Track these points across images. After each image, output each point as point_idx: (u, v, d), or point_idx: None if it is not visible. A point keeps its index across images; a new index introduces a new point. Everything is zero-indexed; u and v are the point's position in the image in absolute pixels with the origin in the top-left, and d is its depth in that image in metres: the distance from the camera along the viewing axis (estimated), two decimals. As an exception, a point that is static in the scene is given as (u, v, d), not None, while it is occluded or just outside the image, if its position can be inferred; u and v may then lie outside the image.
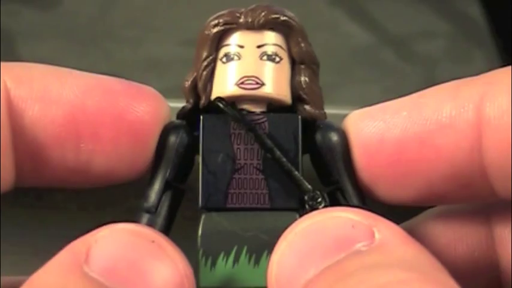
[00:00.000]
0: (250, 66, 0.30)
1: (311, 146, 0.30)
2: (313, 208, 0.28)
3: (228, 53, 0.30)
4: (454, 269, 0.25)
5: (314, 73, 0.31)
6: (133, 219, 0.29)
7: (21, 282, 0.31)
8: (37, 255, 0.47)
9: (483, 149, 0.28)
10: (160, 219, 0.30)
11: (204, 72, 0.30)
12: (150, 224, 0.30)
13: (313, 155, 0.31)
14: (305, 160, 0.30)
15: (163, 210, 0.30)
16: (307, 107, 0.31)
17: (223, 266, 0.29)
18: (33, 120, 0.29)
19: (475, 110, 0.28)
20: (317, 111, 0.31)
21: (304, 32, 0.31)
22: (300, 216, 0.29)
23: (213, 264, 0.29)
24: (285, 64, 0.31)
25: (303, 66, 0.31)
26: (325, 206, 0.28)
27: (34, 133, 0.29)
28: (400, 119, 0.29)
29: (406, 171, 0.29)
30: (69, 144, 0.29)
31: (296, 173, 0.29)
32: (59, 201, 0.52)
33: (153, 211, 0.30)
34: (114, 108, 0.29)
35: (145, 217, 0.30)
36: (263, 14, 0.30)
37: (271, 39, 0.30)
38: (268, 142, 0.29)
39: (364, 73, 0.58)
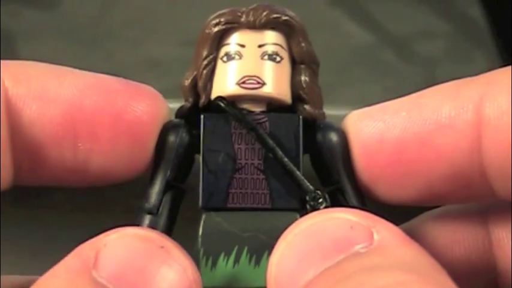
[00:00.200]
0: (251, 65, 0.30)
1: (311, 146, 0.30)
2: (314, 208, 0.28)
3: (229, 52, 0.30)
4: (452, 271, 0.25)
5: (314, 73, 0.31)
6: (134, 220, 0.29)
7: (21, 281, 0.31)
8: (36, 256, 0.48)
9: (483, 150, 0.28)
10: (162, 220, 0.30)
11: (205, 71, 0.30)
12: (153, 225, 0.29)
13: (313, 155, 0.31)
14: (305, 160, 0.30)
15: (165, 210, 0.30)
16: (306, 106, 0.30)
17: (224, 266, 0.29)
18: (31, 119, 0.29)
19: (474, 111, 0.28)
20: (316, 111, 0.31)
21: (305, 32, 0.30)
22: (301, 216, 0.29)
23: (214, 264, 0.29)
24: (286, 64, 0.30)
25: (303, 66, 0.31)
26: (326, 206, 0.28)
27: (32, 132, 0.29)
28: (399, 119, 0.29)
29: (405, 171, 0.29)
30: (67, 143, 0.29)
31: (298, 173, 0.29)
32: (58, 202, 0.52)
33: (154, 212, 0.30)
34: (112, 107, 0.29)
35: (147, 218, 0.30)
36: (265, 13, 0.30)
37: (272, 38, 0.30)
38: (270, 142, 0.29)
39: (364, 73, 0.58)
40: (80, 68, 0.30)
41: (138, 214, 0.30)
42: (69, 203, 0.51)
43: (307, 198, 0.29)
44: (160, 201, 0.30)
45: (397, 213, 0.29)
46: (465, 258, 0.31)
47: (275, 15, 0.30)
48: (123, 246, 0.26)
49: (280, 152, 0.29)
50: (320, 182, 0.31)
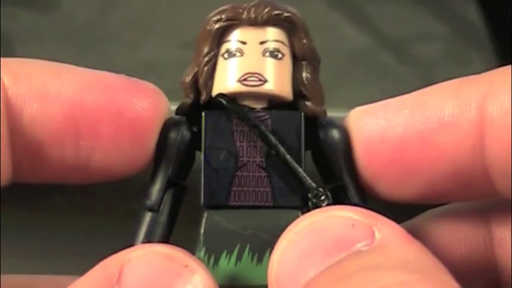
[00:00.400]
0: (253, 62, 0.30)
1: (313, 143, 0.30)
2: (316, 205, 0.28)
3: (230, 49, 0.30)
4: (453, 270, 0.25)
5: (315, 69, 0.31)
6: (135, 218, 0.30)
7: (22, 281, 0.31)
8: (37, 258, 0.48)
9: (485, 148, 0.28)
10: (163, 218, 0.29)
11: (206, 68, 0.30)
12: (154, 222, 0.29)
13: (314, 152, 0.30)
14: (307, 157, 0.30)
15: (166, 208, 0.30)
16: (308, 103, 0.30)
17: (226, 264, 0.29)
18: (32, 118, 0.29)
19: (477, 109, 0.28)
20: (318, 108, 0.30)
21: (306, 28, 0.30)
22: (303, 213, 0.29)
23: (216, 262, 0.29)
24: (287, 60, 0.30)
25: (304, 63, 0.30)
26: (329, 204, 0.28)
27: (33, 130, 0.29)
28: (402, 117, 0.29)
29: (407, 169, 0.29)
30: (68, 141, 0.29)
31: (300, 170, 0.29)
32: (58, 205, 0.52)
33: (155, 209, 0.29)
34: (113, 105, 0.29)
35: (148, 215, 0.29)
36: (266, 10, 0.30)
37: (274, 35, 0.30)
38: (272, 139, 0.29)
39: (363, 76, 0.58)
40: None
41: (139, 211, 0.30)
42: (69, 206, 0.51)
43: (309, 195, 0.29)
44: (162, 198, 0.30)
45: (398, 211, 0.29)
46: (466, 257, 0.31)
47: (277, 12, 0.30)
48: (148, 263, 0.26)
49: (282, 149, 0.29)
50: (322, 179, 0.30)
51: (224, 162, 0.30)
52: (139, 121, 0.29)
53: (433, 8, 0.65)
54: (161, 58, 0.58)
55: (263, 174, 0.30)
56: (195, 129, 0.30)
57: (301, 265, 0.26)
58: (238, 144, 0.30)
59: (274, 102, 0.30)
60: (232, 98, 0.30)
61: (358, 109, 0.30)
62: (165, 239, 0.29)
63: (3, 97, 0.28)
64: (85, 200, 0.51)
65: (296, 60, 0.30)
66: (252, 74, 0.30)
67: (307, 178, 0.29)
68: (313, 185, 0.29)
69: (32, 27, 0.62)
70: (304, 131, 0.30)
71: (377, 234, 0.26)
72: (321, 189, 0.29)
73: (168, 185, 0.30)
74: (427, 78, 0.58)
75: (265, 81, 0.30)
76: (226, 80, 0.30)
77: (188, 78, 0.30)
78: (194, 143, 0.30)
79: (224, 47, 0.30)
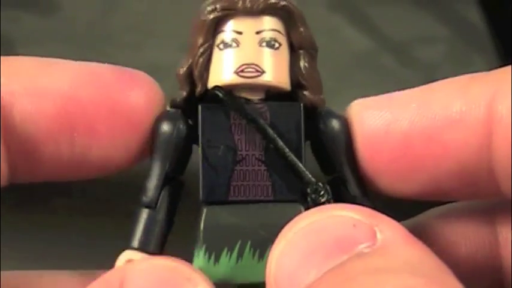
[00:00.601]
0: (249, 53, 0.29)
1: (312, 134, 0.30)
2: (316, 202, 0.28)
3: (226, 39, 0.29)
4: (456, 270, 0.25)
5: (313, 58, 0.30)
6: (133, 216, 0.29)
7: (19, 276, 0.30)
8: (37, 261, 0.48)
9: (492, 147, 0.28)
10: (161, 215, 0.29)
11: (201, 59, 0.29)
12: (151, 220, 0.29)
13: (314, 143, 0.30)
14: (306, 148, 0.30)
15: (164, 204, 0.29)
16: (306, 93, 0.30)
17: (227, 261, 0.28)
18: (25, 115, 0.28)
19: (486, 107, 0.28)
20: (316, 97, 0.30)
21: (303, 17, 0.30)
22: (306, 209, 0.28)
23: (217, 259, 0.28)
24: (284, 50, 0.29)
25: (302, 52, 0.30)
26: (328, 200, 0.28)
27: (26, 128, 0.28)
28: (408, 112, 0.29)
29: (411, 165, 0.28)
30: (63, 138, 0.28)
31: (299, 164, 0.28)
32: (58, 207, 0.52)
33: (153, 206, 0.29)
34: (107, 97, 0.29)
35: (145, 212, 0.29)
36: None
37: (270, 24, 0.29)
38: (271, 132, 0.28)
39: (364, 78, 0.58)
40: None
41: (136, 208, 0.29)
42: (69, 208, 0.51)
43: (308, 190, 0.28)
44: (159, 194, 0.29)
45: (399, 206, 0.29)
46: (470, 257, 0.30)
47: (273, 1, 0.29)
48: (149, 276, 0.26)
49: (281, 143, 0.28)
50: (321, 170, 0.30)
51: (223, 157, 0.29)
52: (135, 112, 0.29)
53: (435, 10, 0.65)
54: (163, 60, 0.58)
55: (262, 168, 0.29)
56: (190, 122, 0.29)
57: (301, 267, 0.25)
58: (236, 137, 0.29)
59: (271, 93, 0.30)
60: (229, 90, 0.29)
61: (361, 101, 0.30)
62: (163, 238, 0.29)
63: None
64: (85, 202, 0.51)
65: (293, 49, 0.30)
66: (248, 65, 0.29)
67: (307, 173, 0.28)
68: (313, 179, 0.28)
69: (33, 29, 0.62)
70: (304, 122, 0.29)
71: (379, 235, 0.25)
72: (320, 184, 0.28)
73: (165, 180, 0.29)
74: (429, 80, 0.57)
75: (263, 72, 0.29)
76: (222, 71, 0.29)
77: (183, 70, 0.30)
78: (191, 136, 0.29)
79: (219, 38, 0.29)
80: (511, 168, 0.27)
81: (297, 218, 0.26)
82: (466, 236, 0.31)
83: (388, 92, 0.31)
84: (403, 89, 0.30)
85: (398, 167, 0.29)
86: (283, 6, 0.29)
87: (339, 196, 0.29)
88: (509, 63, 0.29)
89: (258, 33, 0.29)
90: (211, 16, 0.29)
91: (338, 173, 0.29)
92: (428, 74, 0.59)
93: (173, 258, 0.27)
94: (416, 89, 0.29)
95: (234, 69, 0.29)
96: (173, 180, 0.29)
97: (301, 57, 0.30)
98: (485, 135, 0.28)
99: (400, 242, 0.25)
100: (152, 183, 0.29)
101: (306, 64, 0.30)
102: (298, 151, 0.29)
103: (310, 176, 0.28)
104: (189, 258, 0.28)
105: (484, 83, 0.28)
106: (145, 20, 0.64)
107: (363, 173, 0.29)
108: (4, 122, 0.28)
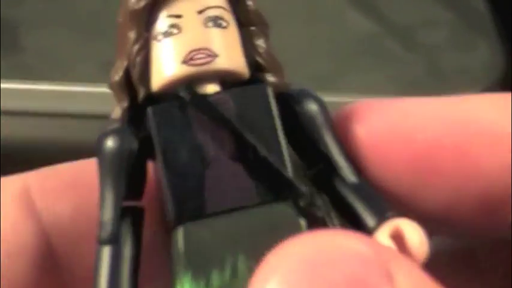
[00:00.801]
0: (196, 36, 0.24)
1: (286, 121, 0.25)
2: (310, 216, 0.24)
3: (163, 27, 0.25)
4: None
5: (266, 36, 0.26)
6: (94, 255, 0.24)
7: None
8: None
9: None
10: (127, 249, 0.24)
11: (138, 58, 0.25)
12: (117, 256, 0.24)
13: (289, 132, 0.25)
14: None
15: (128, 236, 0.24)
16: (268, 76, 0.25)
17: (220, 283, 0.23)
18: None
19: None
20: (281, 81, 0.26)
21: None
22: (296, 206, 0.24)
23: (208, 283, 0.23)
24: (233, 28, 0.25)
25: (253, 29, 0.26)
26: (328, 212, 0.24)
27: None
28: (435, 120, 0.25)
29: (430, 179, 0.25)
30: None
31: (287, 173, 0.24)
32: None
33: (114, 241, 0.24)
34: None
35: (107, 250, 0.24)
36: None
37: (212, 1, 0.25)
38: (250, 136, 0.24)
39: (368, 62, 0.58)
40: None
41: (98, 247, 0.24)
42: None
43: (302, 204, 0.24)
44: (119, 226, 0.24)
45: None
46: None
47: None
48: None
49: (264, 150, 0.24)
50: (303, 163, 0.26)
51: (188, 163, 0.24)
52: None
53: (438, -6, 0.65)
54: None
55: (238, 167, 0.24)
56: (141, 135, 0.25)
57: None
58: (199, 137, 0.24)
59: (227, 84, 0.25)
60: (188, 85, 0.25)
61: (370, 102, 0.26)
62: (135, 274, 0.24)
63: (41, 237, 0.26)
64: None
65: (242, 27, 0.26)
66: (197, 50, 0.24)
67: (296, 181, 0.24)
68: (303, 188, 0.24)
69: (36, 13, 0.62)
70: (277, 108, 0.25)
71: (395, 280, 0.21)
72: (314, 194, 0.24)
73: (122, 208, 0.24)
74: (432, 65, 0.58)
75: (215, 55, 0.24)
76: (168, 65, 0.24)
77: (118, 76, 0.25)
78: (143, 151, 0.25)
79: (155, 29, 0.25)
80: None
81: (287, 245, 0.21)
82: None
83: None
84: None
85: (414, 179, 0.25)
86: None
87: (333, 189, 0.25)
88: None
89: (200, 12, 0.25)
90: (142, 3, 0.25)
91: (325, 161, 0.25)
92: (431, 58, 0.59)
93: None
94: (449, 98, 0.26)
95: (181, 58, 0.24)
96: (131, 207, 0.25)
97: (254, 35, 0.26)
98: None
99: None
100: (107, 214, 0.24)
101: (262, 43, 0.26)
102: (276, 145, 0.24)
103: (299, 184, 0.24)
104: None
105: None
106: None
107: (369, 178, 0.25)
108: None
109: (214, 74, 0.25)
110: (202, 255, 0.23)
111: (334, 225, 0.25)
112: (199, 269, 0.23)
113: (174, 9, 0.25)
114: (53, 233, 0.26)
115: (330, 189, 0.25)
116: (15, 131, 0.54)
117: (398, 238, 0.23)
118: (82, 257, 0.26)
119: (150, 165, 0.25)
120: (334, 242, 0.21)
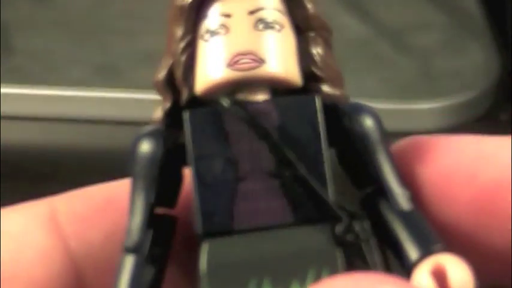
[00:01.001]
0: (242, 39, 0.23)
1: (336, 138, 0.23)
2: (348, 244, 0.22)
3: (211, 26, 0.23)
4: None
5: (327, 43, 0.24)
6: (116, 266, 0.23)
7: None
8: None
9: None
10: (150, 260, 0.23)
11: (183, 57, 0.23)
12: (139, 268, 0.23)
13: (339, 149, 0.24)
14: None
15: (153, 246, 0.23)
16: (323, 86, 0.24)
17: None
18: None
19: None
20: (337, 92, 0.24)
21: None
22: (335, 229, 0.22)
23: None
24: (289, 33, 0.23)
25: (312, 35, 0.24)
26: (366, 239, 0.22)
27: None
28: (496, 161, 0.24)
29: (490, 221, 0.24)
30: None
31: (326, 195, 0.22)
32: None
33: (139, 250, 0.23)
34: None
35: (130, 259, 0.23)
36: None
37: (266, 1, 0.23)
38: (290, 152, 0.22)
39: (360, 65, 0.58)
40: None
41: (122, 253, 0.23)
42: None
43: (338, 229, 0.22)
44: (145, 234, 0.23)
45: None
46: None
47: None
48: None
49: (303, 167, 0.22)
50: (352, 184, 0.24)
51: (221, 174, 0.23)
52: None
53: (431, -3, 0.65)
54: (159, 47, 0.58)
55: (274, 183, 0.22)
56: (180, 140, 0.23)
57: None
58: (236, 148, 0.23)
59: (279, 91, 0.23)
60: (231, 91, 0.23)
61: (434, 137, 0.25)
62: (156, 285, 0.23)
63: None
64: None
65: (300, 32, 0.24)
66: (243, 54, 0.23)
67: (335, 205, 0.22)
68: (344, 213, 0.22)
69: (29, 15, 0.62)
70: (325, 122, 0.23)
71: None
72: (354, 218, 0.22)
73: (151, 216, 0.23)
74: (424, 68, 0.58)
75: (262, 61, 0.23)
76: (211, 67, 0.23)
77: (162, 75, 0.24)
78: (180, 157, 0.23)
79: (203, 27, 0.23)
80: None
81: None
82: None
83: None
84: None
85: (476, 219, 0.24)
86: None
87: (379, 214, 0.23)
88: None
89: (251, 13, 0.23)
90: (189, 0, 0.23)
91: (376, 184, 0.23)
92: (424, 61, 0.59)
93: None
94: (494, 137, 0.25)
95: (225, 61, 0.23)
96: (162, 215, 0.24)
97: (312, 41, 0.24)
98: None
99: None
100: (135, 221, 0.23)
101: (319, 50, 0.24)
102: (318, 163, 0.23)
103: (338, 208, 0.22)
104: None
105: None
106: (142, 6, 0.64)
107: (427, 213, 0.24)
108: None
109: (262, 81, 0.23)
110: (225, 276, 0.22)
111: (371, 255, 0.23)
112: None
113: (224, 7, 0.23)
114: (81, 260, 0.25)
115: (376, 214, 0.23)
116: (14, 135, 0.54)
117: (440, 275, 0.22)
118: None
119: (188, 172, 0.24)
120: None
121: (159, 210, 0.24)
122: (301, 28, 0.24)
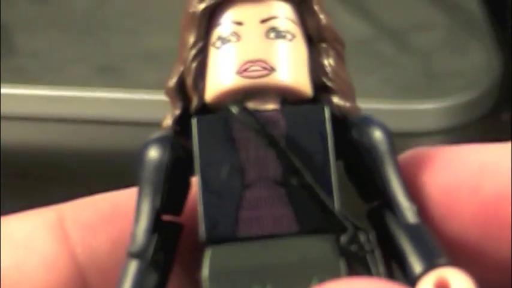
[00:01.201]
0: (253, 47, 0.23)
1: (344, 149, 0.23)
2: (352, 255, 0.22)
3: (223, 34, 0.23)
4: None
5: (339, 55, 0.24)
6: (120, 270, 0.23)
7: None
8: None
9: None
10: (154, 266, 0.23)
11: (194, 64, 0.23)
12: (143, 273, 0.23)
13: (347, 162, 0.24)
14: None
15: (158, 252, 0.23)
16: (334, 98, 0.23)
17: None
18: None
19: None
20: (348, 104, 0.24)
21: (321, 1, 0.24)
22: (339, 240, 0.22)
23: None
24: (300, 43, 0.23)
25: (324, 46, 0.24)
26: (371, 250, 0.22)
27: None
28: (501, 171, 0.24)
29: (496, 233, 0.24)
30: None
31: (331, 205, 0.22)
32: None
33: (143, 255, 0.23)
34: None
35: (134, 264, 0.23)
36: None
37: (279, 11, 0.23)
38: (297, 161, 0.22)
39: (362, 65, 0.58)
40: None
41: (126, 258, 0.23)
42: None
43: (342, 239, 0.22)
44: (150, 240, 0.23)
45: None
46: None
47: None
48: None
49: (310, 176, 0.22)
50: (360, 196, 0.24)
51: (227, 181, 0.23)
52: None
53: (432, -3, 0.65)
54: (161, 46, 0.58)
55: (280, 191, 0.23)
56: (188, 145, 0.23)
57: None
58: (243, 155, 0.23)
59: (288, 101, 0.23)
60: (241, 99, 0.23)
61: (438, 149, 0.25)
62: None
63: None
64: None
65: (312, 42, 0.24)
66: (253, 62, 0.23)
67: (341, 215, 0.22)
68: (349, 224, 0.22)
69: (30, 15, 0.62)
70: (333, 134, 0.23)
71: None
72: (359, 229, 0.22)
73: (157, 221, 0.23)
74: (426, 67, 0.58)
75: (272, 69, 0.23)
76: (221, 74, 0.23)
77: (173, 82, 0.24)
78: (187, 164, 0.23)
79: (215, 34, 0.23)
80: None
81: None
82: None
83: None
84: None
85: (481, 231, 0.24)
86: None
87: (385, 226, 0.23)
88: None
89: (263, 22, 0.23)
90: (202, 6, 0.23)
91: (383, 197, 0.23)
92: (425, 61, 0.59)
93: None
94: (497, 146, 0.25)
95: (235, 68, 0.23)
96: (168, 222, 0.24)
97: (324, 52, 0.24)
98: None
99: None
100: (140, 226, 0.23)
101: (331, 61, 0.24)
102: (324, 173, 0.23)
103: (342, 218, 0.22)
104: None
105: None
106: (143, 6, 0.64)
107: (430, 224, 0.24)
108: None
109: (272, 90, 0.23)
110: (227, 283, 0.22)
111: (376, 266, 0.23)
112: None
113: (236, 15, 0.23)
114: (88, 268, 0.25)
115: (382, 227, 0.23)
116: (14, 135, 0.54)
117: None
118: None
119: (195, 180, 0.24)
120: None
121: (166, 217, 0.24)
122: (313, 39, 0.24)
